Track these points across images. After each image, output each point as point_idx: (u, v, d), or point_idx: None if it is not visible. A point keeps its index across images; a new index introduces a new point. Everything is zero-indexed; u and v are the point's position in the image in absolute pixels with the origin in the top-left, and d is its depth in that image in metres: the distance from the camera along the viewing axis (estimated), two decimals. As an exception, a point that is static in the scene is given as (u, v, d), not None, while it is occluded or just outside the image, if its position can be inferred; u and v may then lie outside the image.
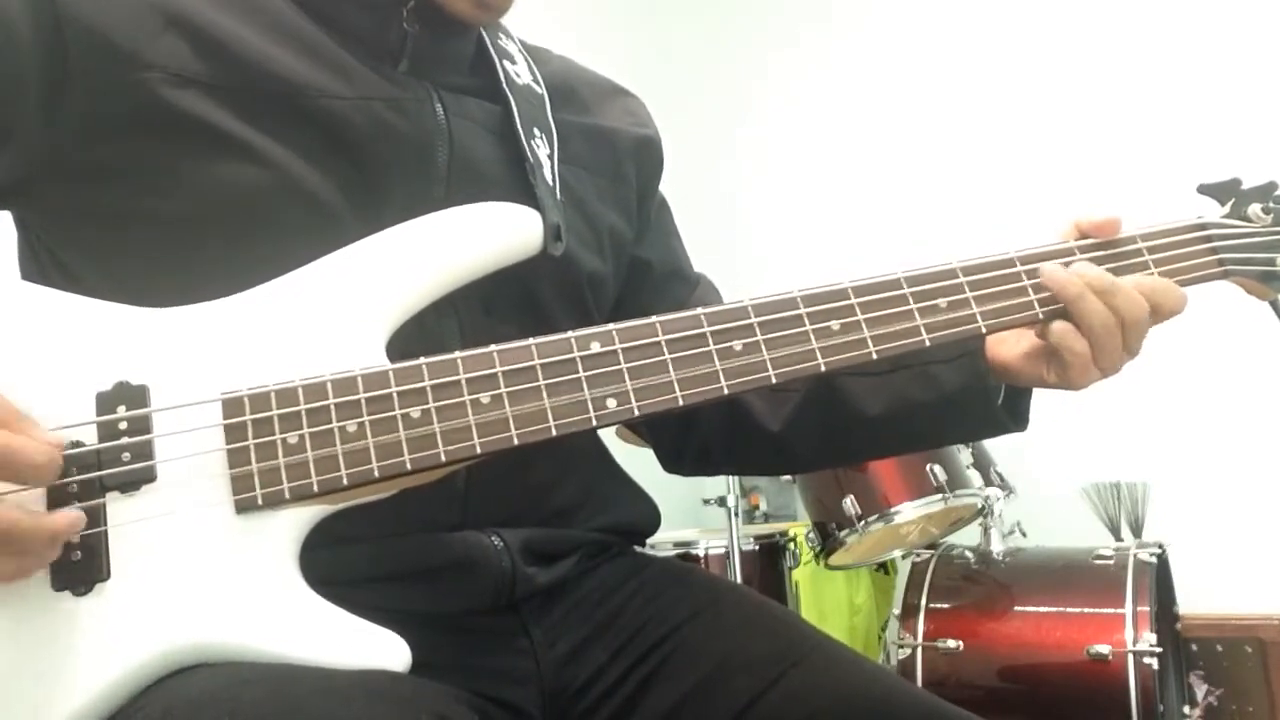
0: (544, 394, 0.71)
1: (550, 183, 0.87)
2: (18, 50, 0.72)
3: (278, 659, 0.63)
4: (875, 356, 0.78)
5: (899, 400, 0.93)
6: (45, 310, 0.68)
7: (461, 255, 0.75)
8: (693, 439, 1.04)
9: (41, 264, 0.79)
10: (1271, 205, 0.90)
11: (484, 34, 0.92)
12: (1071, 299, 0.82)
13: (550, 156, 0.89)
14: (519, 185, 0.85)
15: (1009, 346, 0.89)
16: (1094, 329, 0.82)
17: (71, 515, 0.61)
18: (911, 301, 0.80)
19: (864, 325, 0.78)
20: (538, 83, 0.94)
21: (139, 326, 0.69)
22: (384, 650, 0.65)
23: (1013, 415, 0.94)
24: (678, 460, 1.08)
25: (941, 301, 0.81)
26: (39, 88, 0.72)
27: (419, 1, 0.83)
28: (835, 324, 0.78)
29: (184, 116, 0.73)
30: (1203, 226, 0.90)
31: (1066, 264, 0.84)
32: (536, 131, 0.89)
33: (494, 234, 0.77)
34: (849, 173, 3.12)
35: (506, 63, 0.92)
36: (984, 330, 0.82)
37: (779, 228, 3.22)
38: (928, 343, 0.80)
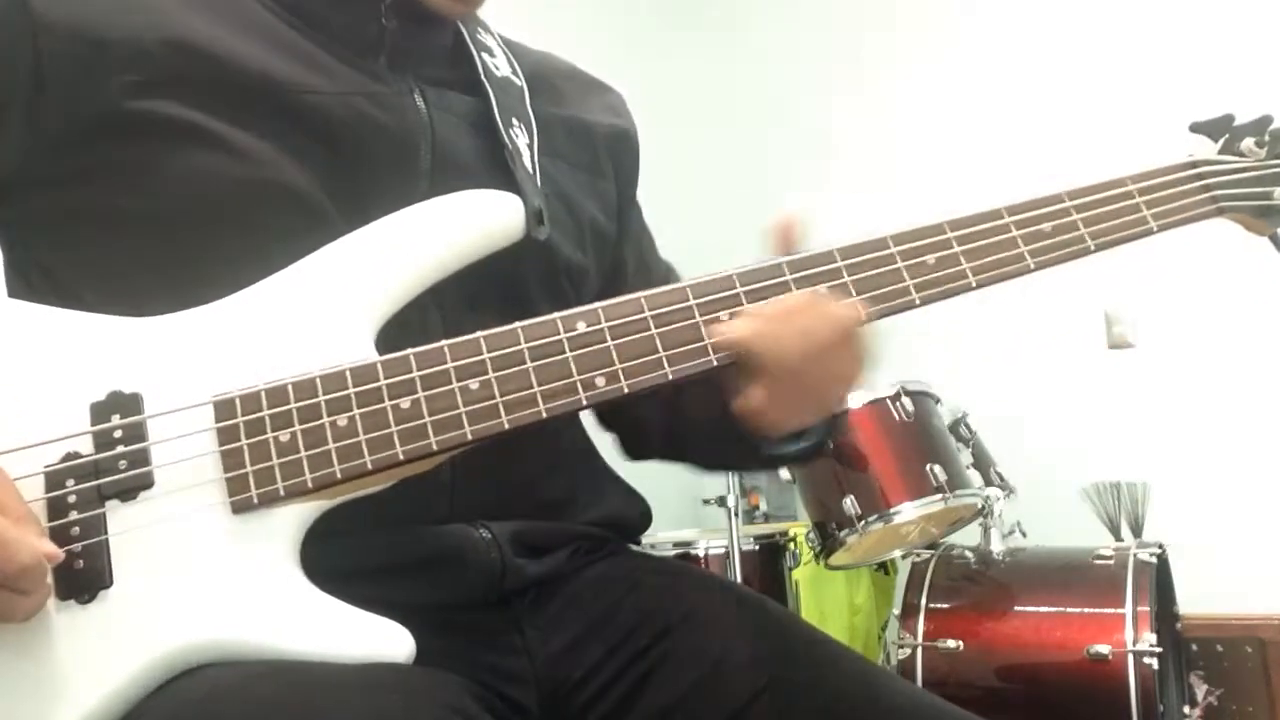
0: (532, 376, 0.71)
1: (530, 170, 0.87)
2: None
3: (282, 655, 0.64)
4: (864, 319, 0.77)
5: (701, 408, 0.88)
6: (34, 325, 0.69)
7: (445, 245, 0.75)
8: (628, 421, 1.01)
9: (29, 279, 0.79)
10: (1266, 139, 0.88)
11: (462, 28, 0.92)
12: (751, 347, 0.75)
13: (530, 146, 0.89)
14: (500, 174, 0.85)
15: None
16: (768, 366, 0.75)
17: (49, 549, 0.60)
18: (899, 260, 0.79)
19: (851, 288, 0.78)
20: (516, 75, 0.94)
21: (129, 335, 0.69)
22: (387, 640, 0.66)
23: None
24: (632, 445, 1.04)
25: (930, 258, 0.80)
26: (20, 100, 0.73)
27: None
28: (822, 288, 0.77)
29: (163, 117, 0.74)
30: (1194, 165, 0.88)
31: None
32: (515, 121, 0.89)
33: (476, 221, 0.77)
34: (846, 157, 3.10)
35: (485, 55, 0.92)
36: (974, 285, 0.80)
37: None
38: (918, 302, 0.79)
